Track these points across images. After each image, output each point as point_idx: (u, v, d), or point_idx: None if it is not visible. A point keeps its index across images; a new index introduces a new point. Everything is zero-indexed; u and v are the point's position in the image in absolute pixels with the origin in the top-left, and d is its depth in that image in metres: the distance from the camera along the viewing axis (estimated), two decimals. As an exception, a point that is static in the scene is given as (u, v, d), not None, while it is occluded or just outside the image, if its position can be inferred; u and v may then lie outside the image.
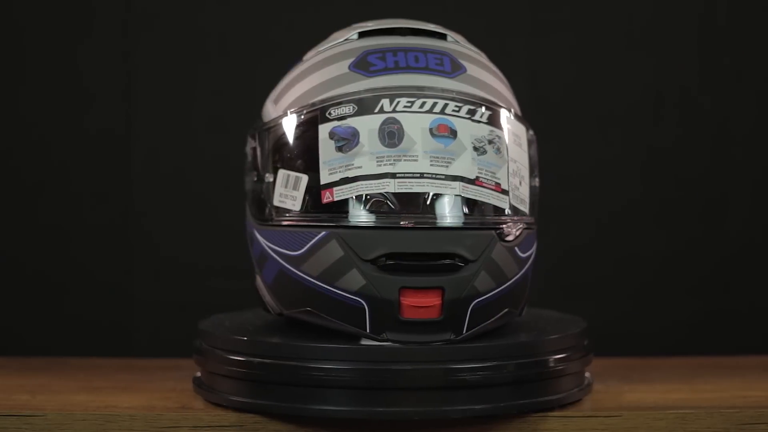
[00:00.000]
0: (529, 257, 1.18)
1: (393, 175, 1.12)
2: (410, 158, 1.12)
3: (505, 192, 1.15)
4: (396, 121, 1.13)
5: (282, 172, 1.16)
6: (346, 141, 1.13)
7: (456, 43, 1.22)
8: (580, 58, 1.66)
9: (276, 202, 1.16)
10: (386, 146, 1.12)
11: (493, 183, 1.14)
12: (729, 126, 1.66)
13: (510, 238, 1.15)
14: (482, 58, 1.22)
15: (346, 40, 1.19)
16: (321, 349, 1.12)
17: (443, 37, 1.22)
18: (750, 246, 1.66)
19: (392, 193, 1.12)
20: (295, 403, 1.12)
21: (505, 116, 1.17)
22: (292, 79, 1.19)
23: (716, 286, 1.66)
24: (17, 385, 1.31)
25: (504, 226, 1.15)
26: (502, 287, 1.15)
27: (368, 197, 1.12)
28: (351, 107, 1.13)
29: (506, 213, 1.15)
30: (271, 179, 1.16)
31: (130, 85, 1.65)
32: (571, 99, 1.66)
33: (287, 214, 1.15)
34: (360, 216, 1.12)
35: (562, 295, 1.53)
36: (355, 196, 1.12)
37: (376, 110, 1.13)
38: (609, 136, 1.66)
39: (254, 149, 1.20)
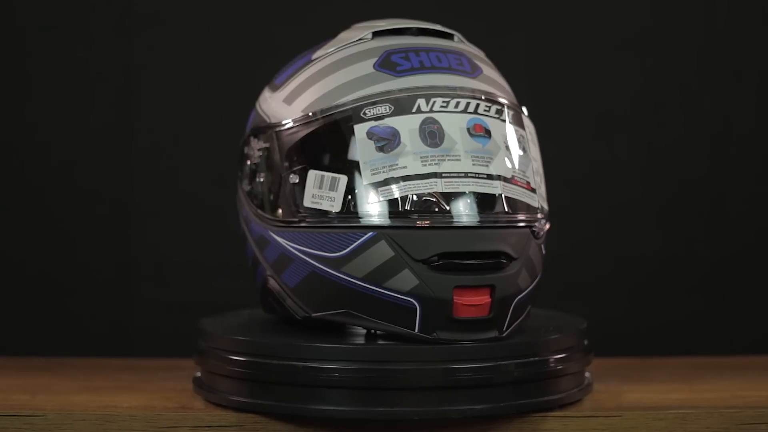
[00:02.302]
0: (544, 254, 1.20)
1: (439, 175, 1.12)
2: (454, 158, 1.13)
3: (533, 190, 1.17)
4: (435, 121, 1.13)
5: (314, 173, 1.13)
6: (387, 141, 1.12)
7: (462, 43, 1.22)
8: (580, 57, 1.66)
9: (308, 203, 1.13)
10: (429, 146, 1.12)
11: (525, 182, 1.16)
12: (729, 126, 1.66)
13: (541, 234, 1.17)
14: (485, 57, 1.23)
15: (360, 39, 1.19)
16: (321, 349, 1.12)
17: (449, 36, 1.22)
18: (749, 246, 1.66)
19: (439, 193, 1.12)
20: (294, 403, 1.12)
21: (523, 115, 1.20)
22: (307, 78, 1.18)
23: (716, 286, 1.66)
24: (17, 385, 1.31)
25: (536, 223, 1.16)
26: (533, 284, 1.17)
27: (415, 197, 1.12)
28: (387, 107, 1.13)
29: (537, 211, 1.17)
30: (296, 180, 1.15)
31: (131, 87, 1.65)
32: (569, 98, 1.66)
33: (324, 216, 1.13)
34: (410, 216, 1.11)
35: (562, 295, 1.53)
36: (401, 196, 1.11)
37: (414, 110, 1.13)
38: (609, 136, 1.66)
39: (265, 150, 1.18)
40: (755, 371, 1.41)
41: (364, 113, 1.13)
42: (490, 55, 1.24)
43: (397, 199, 1.11)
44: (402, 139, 1.12)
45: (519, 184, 1.15)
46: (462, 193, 1.12)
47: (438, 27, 1.22)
